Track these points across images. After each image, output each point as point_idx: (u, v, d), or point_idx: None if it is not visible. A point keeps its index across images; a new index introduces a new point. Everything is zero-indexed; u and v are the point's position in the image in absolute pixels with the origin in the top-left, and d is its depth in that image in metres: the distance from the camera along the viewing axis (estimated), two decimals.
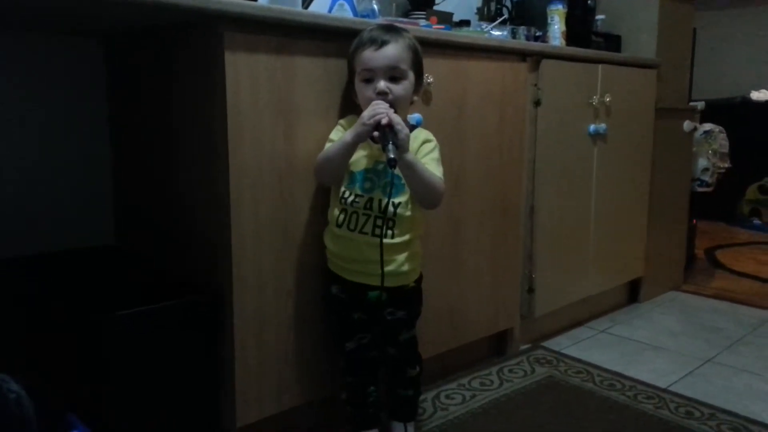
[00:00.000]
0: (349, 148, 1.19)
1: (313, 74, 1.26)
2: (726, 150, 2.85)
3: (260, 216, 1.21)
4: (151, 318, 1.12)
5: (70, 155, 1.52)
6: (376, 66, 1.19)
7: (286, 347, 1.29)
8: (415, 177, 1.19)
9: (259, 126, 1.19)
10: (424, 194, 1.21)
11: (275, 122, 1.21)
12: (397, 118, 1.14)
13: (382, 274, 1.19)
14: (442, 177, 1.24)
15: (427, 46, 1.41)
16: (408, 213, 1.23)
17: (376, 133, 1.14)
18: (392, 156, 1.10)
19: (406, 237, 1.24)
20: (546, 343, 1.98)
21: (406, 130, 1.15)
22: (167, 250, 1.40)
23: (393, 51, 1.19)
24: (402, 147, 1.14)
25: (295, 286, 1.29)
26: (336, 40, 1.28)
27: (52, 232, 1.49)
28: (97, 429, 1.02)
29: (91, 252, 1.47)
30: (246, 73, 1.16)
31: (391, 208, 1.21)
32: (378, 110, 1.14)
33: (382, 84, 1.19)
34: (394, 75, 1.20)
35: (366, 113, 1.16)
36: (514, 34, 2.00)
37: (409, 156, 1.17)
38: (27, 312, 1.30)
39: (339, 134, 1.24)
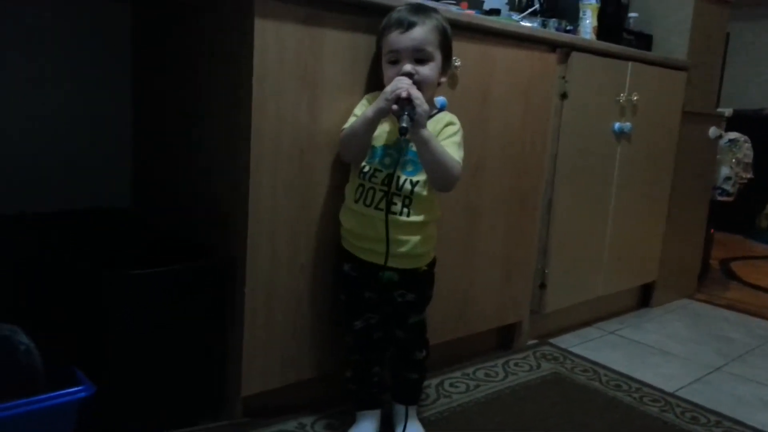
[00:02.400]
0: (371, 123, 1.18)
1: (340, 48, 1.25)
2: (750, 160, 2.80)
3: (278, 187, 1.21)
4: (161, 279, 1.12)
5: (91, 116, 1.52)
6: (402, 48, 1.19)
7: (295, 321, 1.29)
8: (428, 154, 1.17)
9: (283, 96, 1.18)
10: (437, 173, 1.19)
11: (299, 94, 1.21)
12: (417, 93, 1.13)
13: (387, 251, 1.18)
14: (460, 161, 1.22)
15: (456, 29, 1.39)
16: (425, 193, 1.21)
17: (395, 107, 1.13)
18: (404, 125, 1.10)
19: (422, 217, 1.22)
20: (553, 340, 1.96)
21: (426, 106, 1.14)
22: (183, 215, 1.40)
23: (419, 33, 1.18)
24: (418, 122, 1.13)
25: (309, 261, 1.28)
26: (366, 15, 1.27)
27: (70, 191, 1.49)
28: (102, 386, 1.03)
29: (107, 212, 1.48)
30: (274, 41, 1.15)
31: (408, 186, 1.20)
32: (399, 84, 1.14)
33: (407, 66, 1.18)
34: (420, 57, 1.19)
35: (388, 88, 1.16)
36: (544, 26, 1.97)
37: (425, 132, 1.16)
38: (40, 268, 1.30)
39: (363, 109, 1.23)
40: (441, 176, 1.20)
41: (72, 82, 1.49)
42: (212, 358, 1.24)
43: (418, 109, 1.12)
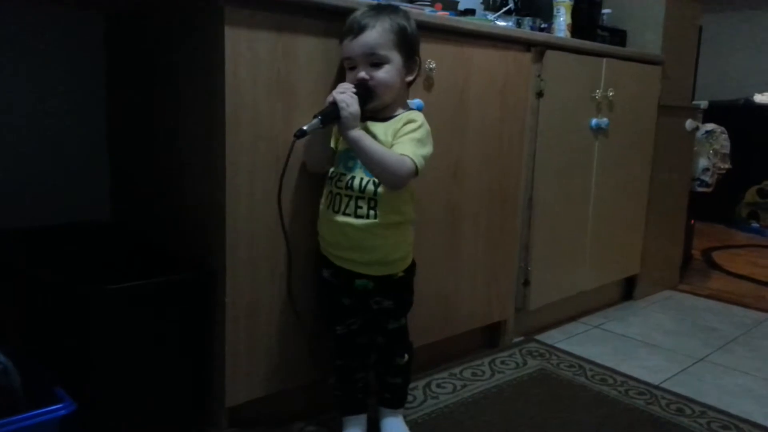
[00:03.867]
0: (321, 132, 1.17)
1: (313, 54, 1.25)
2: (727, 151, 2.84)
3: (256, 196, 1.20)
4: (141, 293, 1.11)
5: (67, 130, 1.51)
6: (354, 55, 1.18)
7: (278, 329, 1.28)
8: (361, 154, 1.15)
9: (258, 105, 1.18)
10: (376, 171, 1.15)
11: (274, 102, 1.20)
12: (344, 97, 1.12)
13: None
14: (414, 157, 1.16)
15: (430, 31, 1.40)
16: (390, 194, 1.19)
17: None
18: (304, 127, 1.11)
19: (389, 219, 1.20)
20: (539, 337, 1.97)
21: (353, 108, 1.12)
22: (163, 227, 1.39)
23: (370, 37, 1.16)
24: (344, 124, 1.13)
25: (289, 269, 1.27)
26: (338, 19, 1.26)
27: (48, 206, 1.47)
28: (84, 403, 1.02)
29: (86, 227, 1.46)
30: (246, 50, 1.14)
31: (371, 187, 1.18)
32: (337, 89, 1.15)
33: (361, 73, 1.18)
34: (373, 61, 1.18)
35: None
36: (519, 25, 1.99)
37: (353, 133, 1.13)
38: (19, 285, 1.28)
39: None
40: (381, 174, 1.15)
41: (46, 96, 1.47)
42: (196, 369, 1.23)
43: (343, 113, 1.12)
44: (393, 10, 1.22)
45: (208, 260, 1.21)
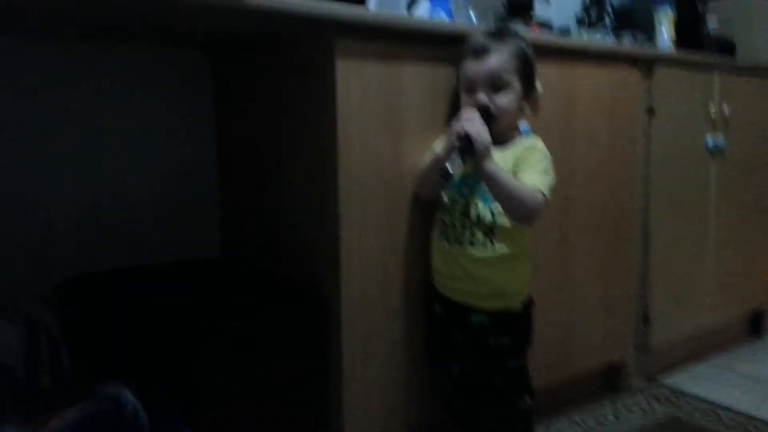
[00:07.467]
0: (441, 162, 1.11)
1: (420, 82, 1.20)
2: None
3: (368, 228, 1.15)
4: (256, 329, 1.07)
5: (178, 167, 1.50)
6: (476, 76, 1.13)
7: (394, 366, 1.21)
8: (494, 188, 1.09)
9: (368, 135, 1.14)
10: (508, 206, 1.10)
11: (383, 131, 1.15)
12: (476, 128, 1.07)
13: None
14: (541, 187, 1.11)
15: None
16: (509, 224, 1.12)
17: (457, 143, 1.08)
18: (450, 171, 1.05)
19: (508, 251, 1.13)
20: (663, 380, 1.79)
21: (485, 139, 1.07)
22: (274, 262, 1.36)
23: (495, 61, 1.12)
24: (479, 157, 1.07)
25: (402, 303, 1.21)
26: (444, 46, 1.21)
27: (160, 243, 1.47)
28: None
29: (199, 263, 1.46)
30: (356, 80, 1.11)
31: (489, 216, 1.12)
32: (464, 116, 1.10)
33: (481, 97, 1.13)
34: (495, 84, 1.13)
35: (454, 122, 1.11)
36: (618, 41, 1.87)
37: (488, 167, 1.08)
38: (136, 323, 1.28)
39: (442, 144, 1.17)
40: (511, 208, 1.10)
41: (157, 136, 1.47)
42: (313, 408, 1.17)
43: (479, 146, 1.06)
44: (513, 33, 1.19)
45: (322, 296, 1.16)
